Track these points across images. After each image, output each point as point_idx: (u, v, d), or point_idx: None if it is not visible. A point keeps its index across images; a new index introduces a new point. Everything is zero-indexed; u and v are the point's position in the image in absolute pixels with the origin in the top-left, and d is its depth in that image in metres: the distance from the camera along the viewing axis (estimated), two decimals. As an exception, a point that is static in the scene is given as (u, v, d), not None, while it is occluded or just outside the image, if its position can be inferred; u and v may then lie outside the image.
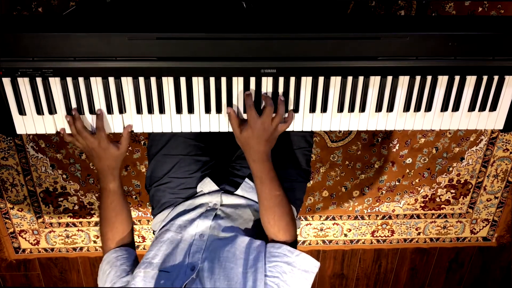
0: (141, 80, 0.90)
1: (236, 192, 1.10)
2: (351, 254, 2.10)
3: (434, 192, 1.93)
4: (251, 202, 1.08)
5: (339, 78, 0.92)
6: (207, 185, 1.11)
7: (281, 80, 0.91)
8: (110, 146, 0.94)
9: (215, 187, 1.10)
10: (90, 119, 0.94)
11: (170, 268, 0.87)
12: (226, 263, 0.86)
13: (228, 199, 1.07)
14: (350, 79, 0.92)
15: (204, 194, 1.10)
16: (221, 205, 1.05)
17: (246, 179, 1.11)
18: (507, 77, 0.93)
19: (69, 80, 0.89)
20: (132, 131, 0.95)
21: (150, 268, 0.87)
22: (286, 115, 0.94)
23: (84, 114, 0.93)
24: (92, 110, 0.92)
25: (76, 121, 0.91)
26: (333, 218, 1.97)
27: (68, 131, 0.94)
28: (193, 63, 0.87)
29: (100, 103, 0.92)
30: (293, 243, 0.96)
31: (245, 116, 0.94)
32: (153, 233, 1.15)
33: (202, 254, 0.89)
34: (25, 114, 0.92)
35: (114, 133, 0.96)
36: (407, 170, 1.85)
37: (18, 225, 1.89)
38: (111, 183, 0.98)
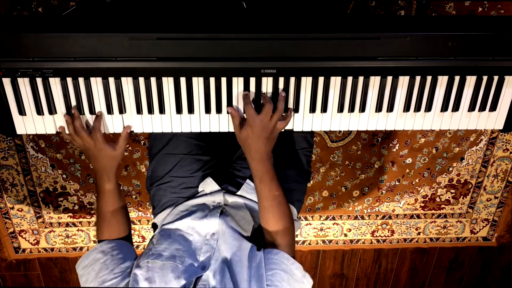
0: (141, 80, 0.90)
1: (237, 193, 1.10)
2: (351, 254, 2.10)
3: (434, 192, 1.93)
4: (253, 204, 1.08)
5: (339, 78, 0.92)
6: (209, 185, 1.11)
7: (281, 80, 0.91)
8: (106, 147, 0.94)
9: (217, 187, 1.10)
10: (90, 120, 0.94)
11: (180, 263, 0.87)
12: (234, 267, 0.87)
13: (231, 199, 1.07)
14: (350, 79, 0.92)
15: (206, 194, 1.10)
16: (225, 204, 1.06)
17: (248, 180, 1.11)
18: (507, 77, 0.93)
19: (69, 80, 0.89)
20: (132, 131, 0.95)
21: (159, 259, 0.87)
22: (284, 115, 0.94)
23: (84, 114, 0.93)
24: (92, 110, 0.92)
25: (75, 120, 0.91)
26: (333, 218, 1.97)
27: (66, 130, 0.94)
28: (193, 63, 0.87)
29: (100, 103, 0.92)
30: (291, 245, 0.96)
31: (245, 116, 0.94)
32: (153, 231, 1.15)
33: (213, 254, 0.89)
34: (25, 114, 0.92)
35: (114, 133, 0.96)
36: (407, 170, 1.85)
37: (18, 225, 1.89)
38: (107, 183, 0.98)
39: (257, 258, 0.89)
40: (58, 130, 0.94)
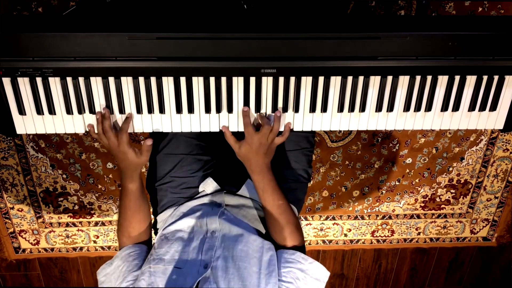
0: (141, 80, 0.90)
1: (238, 192, 1.10)
2: (351, 254, 2.10)
3: (434, 192, 1.93)
4: (254, 203, 1.08)
5: (339, 78, 0.92)
6: (210, 185, 1.11)
7: (281, 80, 0.91)
8: (130, 152, 0.94)
9: (218, 187, 1.10)
10: (91, 119, 0.94)
11: (182, 265, 0.87)
12: (240, 262, 0.87)
13: (231, 200, 1.08)
14: (350, 79, 0.92)
15: (207, 194, 1.10)
16: (226, 205, 1.06)
17: (248, 180, 1.11)
18: (507, 77, 0.93)
19: (69, 80, 0.89)
20: (131, 131, 0.95)
21: (161, 264, 0.87)
22: (283, 128, 0.95)
23: (85, 113, 0.93)
24: (92, 110, 0.92)
25: (104, 120, 0.92)
26: (333, 218, 1.97)
27: (95, 129, 0.94)
28: (193, 63, 0.87)
29: (100, 103, 0.92)
30: (301, 248, 0.96)
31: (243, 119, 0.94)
32: (155, 233, 1.15)
33: (215, 251, 0.90)
34: (25, 114, 0.92)
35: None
36: (407, 170, 1.85)
37: (18, 225, 1.89)
38: (130, 183, 0.99)
39: (267, 252, 0.91)
40: (87, 129, 0.94)
